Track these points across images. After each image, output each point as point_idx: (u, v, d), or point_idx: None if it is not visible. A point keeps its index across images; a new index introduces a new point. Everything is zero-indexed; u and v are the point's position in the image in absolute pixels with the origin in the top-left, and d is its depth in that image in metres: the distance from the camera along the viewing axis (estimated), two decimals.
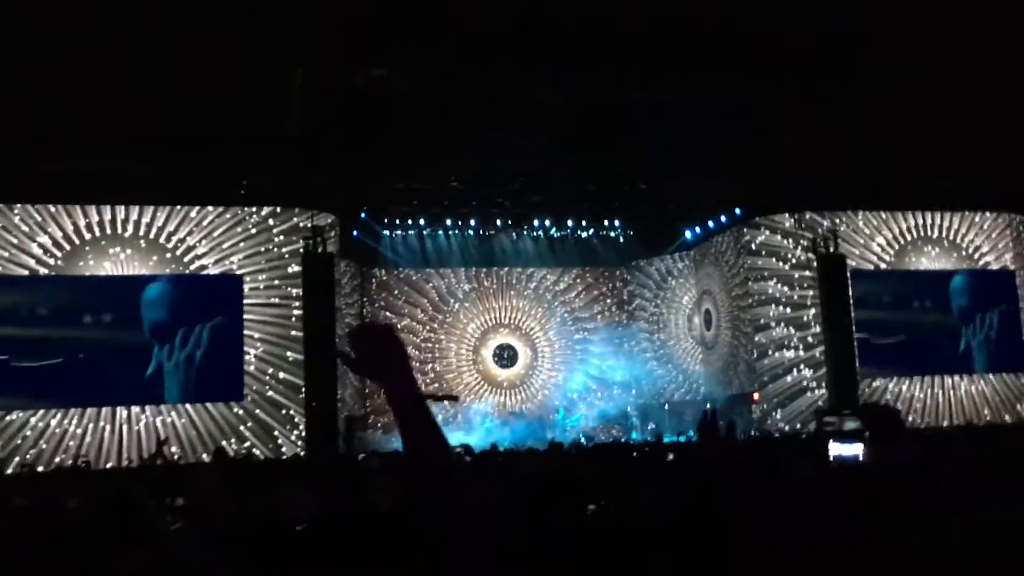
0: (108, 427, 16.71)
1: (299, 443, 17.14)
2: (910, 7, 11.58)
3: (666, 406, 22.45)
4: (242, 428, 17.26)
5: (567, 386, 22.86)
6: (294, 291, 17.59)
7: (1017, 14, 11.43)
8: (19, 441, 16.23)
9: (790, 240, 19.76)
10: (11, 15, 10.60)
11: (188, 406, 17.16)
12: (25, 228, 16.74)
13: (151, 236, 17.31)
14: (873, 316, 19.85)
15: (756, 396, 19.94)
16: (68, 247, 16.91)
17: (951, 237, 20.79)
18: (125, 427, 16.78)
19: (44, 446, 16.33)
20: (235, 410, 17.36)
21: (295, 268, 17.59)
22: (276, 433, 17.37)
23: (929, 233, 20.67)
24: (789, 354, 19.56)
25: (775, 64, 12.69)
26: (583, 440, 19.27)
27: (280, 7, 10.56)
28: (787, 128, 15.62)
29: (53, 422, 16.48)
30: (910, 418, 19.42)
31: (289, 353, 17.52)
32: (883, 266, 20.21)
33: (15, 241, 16.67)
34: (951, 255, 20.73)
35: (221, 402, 17.33)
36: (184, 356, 17.27)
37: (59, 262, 16.87)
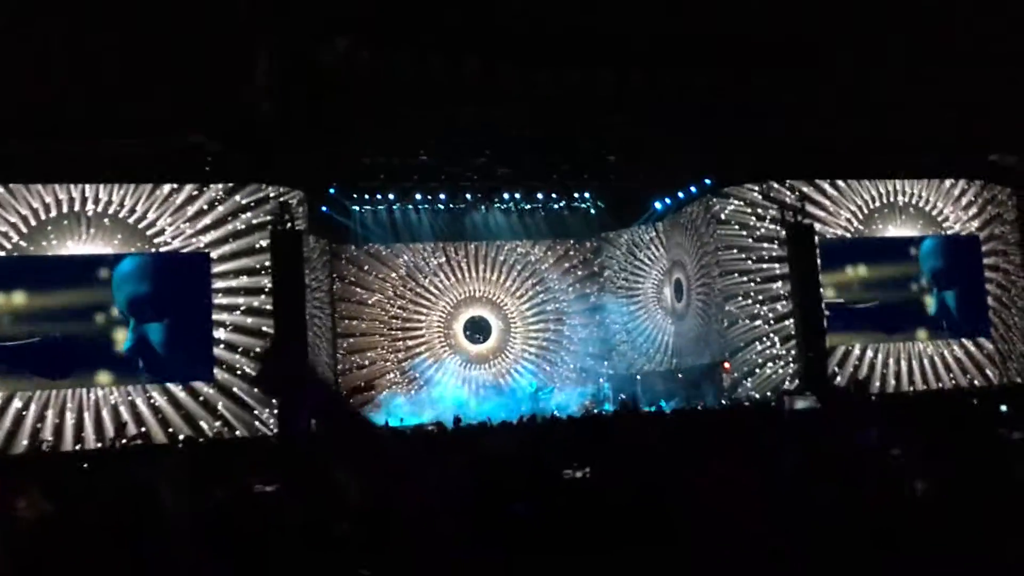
0: (72, 408, 16.50)
1: (271, 422, 17.06)
2: None
3: (638, 377, 22.61)
4: (214, 407, 17.11)
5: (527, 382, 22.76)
6: (263, 267, 17.39)
7: None
8: None
9: (759, 210, 19.85)
10: None
11: (157, 386, 16.98)
12: None
13: (116, 215, 16.99)
14: (841, 283, 20.08)
15: (727, 365, 20.14)
16: (28, 227, 16.55)
17: (917, 204, 20.99)
18: (92, 409, 16.58)
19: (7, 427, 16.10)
20: (205, 389, 17.20)
21: (263, 244, 17.38)
22: (246, 413, 17.24)
23: (895, 201, 20.85)
24: (758, 323, 19.74)
25: (743, 38, 12.69)
26: (556, 413, 19.40)
27: None
28: (755, 99, 15.66)
29: (17, 404, 16.25)
30: (876, 383, 19.72)
31: (260, 330, 17.34)
32: (851, 235, 20.39)
33: None
34: (917, 222, 20.94)
35: (191, 382, 17.16)
36: (154, 334, 17.08)
37: (22, 242, 16.53)
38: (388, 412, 19.96)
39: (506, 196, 21.76)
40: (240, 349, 17.36)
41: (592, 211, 23.24)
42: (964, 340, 20.92)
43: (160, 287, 17.23)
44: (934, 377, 20.42)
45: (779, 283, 19.57)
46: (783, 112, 16.11)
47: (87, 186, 16.72)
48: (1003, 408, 9.59)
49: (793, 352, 19.10)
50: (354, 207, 21.02)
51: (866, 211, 20.58)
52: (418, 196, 20.97)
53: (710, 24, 12.63)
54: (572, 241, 23.93)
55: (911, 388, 20.09)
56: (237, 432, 16.99)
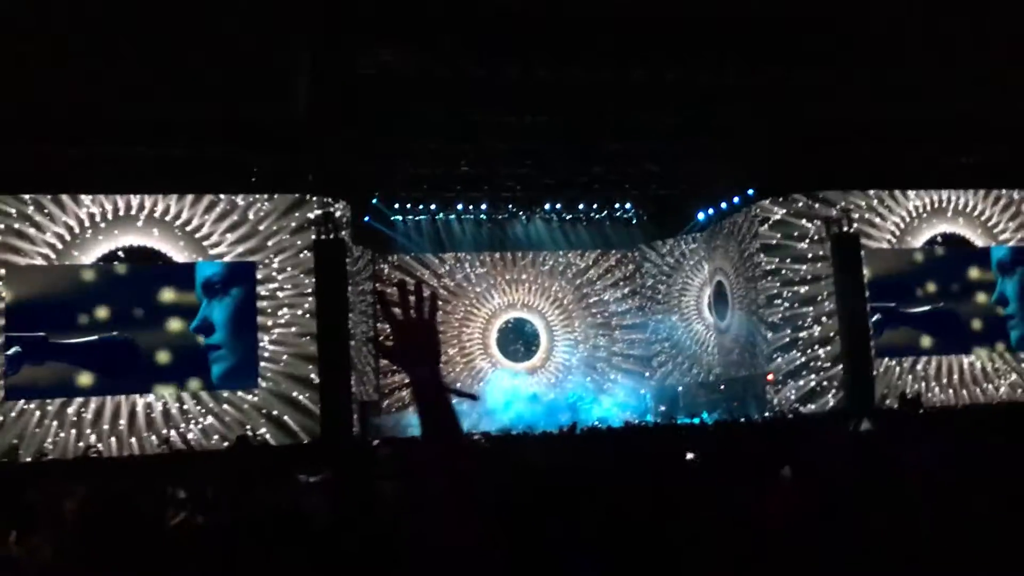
0: (126, 414, 16.84)
1: (313, 430, 17.21)
2: None
3: (679, 388, 22.41)
4: (256, 415, 17.32)
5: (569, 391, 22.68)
6: (306, 278, 17.59)
7: None
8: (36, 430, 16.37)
9: (803, 220, 19.60)
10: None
11: (203, 393, 17.25)
12: (38, 218, 16.79)
13: (165, 223, 17.32)
14: (888, 295, 19.72)
15: (770, 376, 19.87)
16: (78, 237, 16.94)
17: (968, 214, 20.56)
18: (144, 414, 16.90)
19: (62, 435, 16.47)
20: (249, 397, 17.42)
21: (307, 254, 17.58)
22: (289, 420, 17.41)
23: (944, 210, 20.44)
24: (803, 335, 19.45)
25: (785, 44, 12.57)
26: (598, 424, 19.30)
27: None
28: (798, 107, 15.49)
29: (70, 409, 16.61)
30: (928, 396, 19.28)
31: (303, 340, 17.53)
32: (897, 244, 20.03)
33: (31, 232, 16.72)
34: (967, 233, 20.50)
35: (236, 390, 17.40)
36: (202, 343, 17.38)
37: (73, 251, 16.92)
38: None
39: (547, 206, 21.77)
40: (284, 359, 17.57)
41: (634, 221, 23.13)
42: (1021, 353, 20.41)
43: (209, 294, 17.52)
44: (994, 390, 19.94)
45: (824, 294, 19.28)
46: (829, 119, 15.89)
47: (132, 196, 17.10)
48: None
49: (839, 363, 18.79)
50: (396, 217, 21.17)
51: (914, 220, 20.20)
52: (460, 206, 21.05)
53: (756, 34, 12.52)
54: (614, 251, 23.84)
55: (964, 402, 19.62)
56: (274, 437, 17.18)
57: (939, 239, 20.31)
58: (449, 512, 1.80)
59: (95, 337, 16.84)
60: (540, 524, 2.84)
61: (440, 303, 22.50)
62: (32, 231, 16.75)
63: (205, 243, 17.50)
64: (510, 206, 21.49)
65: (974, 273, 20.43)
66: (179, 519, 4.64)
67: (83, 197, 16.93)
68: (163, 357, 17.13)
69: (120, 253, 17.13)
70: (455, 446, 1.89)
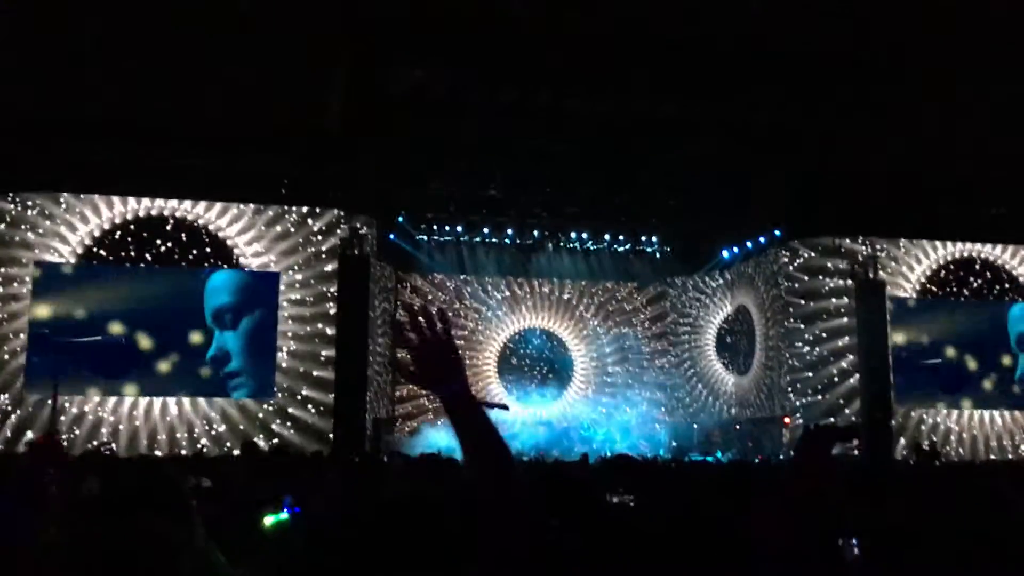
0: (143, 415, 16.97)
1: (327, 442, 17.24)
2: (956, 41, 11.43)
3: (695, 425, 22.23)
4: (271, 425, 17.39)
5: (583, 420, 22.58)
6: (329, 291, 17.71)
7: None
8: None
9: (828, 264, 19.48)
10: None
11: (220, 400, 17.36)
12: (67, 216, 17.04)
13: (193, 229, 17.55)
14: (912, 344, 19.51)
15: (787, 420, 19.66)
16: (108, 237, 17.19)
17: (994, 267, 20.37)
18: (164, 416, 17.02)
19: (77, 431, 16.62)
20: (265, 406, 17.50)
21: (331, 268, 17.72)
22: (304, 431, 17.46)
23: (972, 263, 20.25)
24: (824, 380, 19.25)
25: (819, 86, 12.58)
26: (610, 455, 19.15)
27: (321, 10, 10.72)
28: (830, 150, 15.48)
29: (88, 407, 16.77)
30: (945, 448, 19.00)
31: (322, 352, 17.63)
32: (923, 294, 19.85)
33: (59, 229, 16.99)
34: (993, 286, 20.29)
35: (253, 398, 17.50)
36: (232, 345, 17.49)
37: (99, 250, 17.15)
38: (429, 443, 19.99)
39: (572, 235, 21.78)
40: (301, 371, 17.66)
41: (658, 255, 23.08)
42: None
43: (239, 301, 17.65)
44: (1011, 446, 19.63)
45: (846, 338, 19.10)
46: (860, 163, 15.85)
47: (161, 200, 17.35)
48: None
49: (858, 409, 18.58)
50: (421, 236, 21.26)
51: (940, 270, 20.02)
52: (485, 229, 21.11)
53: (787, 73, 12.55)
54: (637, 284, 23.80)
55: (983, 457, 19.30)
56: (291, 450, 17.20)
57: (967, 292, 20.11)
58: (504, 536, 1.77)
59: (99, 338, 16.91)
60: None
61: (457, 323, 22.57)
62: (63, 230, 17.03)
63: (233, 251, 17.69)
64: (535, 232, 21.51)
65: (997, 329, 20.20)
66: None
67: (114, 199, 17.21)
68: (179, 365, 17.27)
69: (147, 256, 17.35)
70: (507, 470, 1.84)
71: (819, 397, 19.21)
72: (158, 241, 17.39)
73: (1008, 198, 18.81)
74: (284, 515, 5.38)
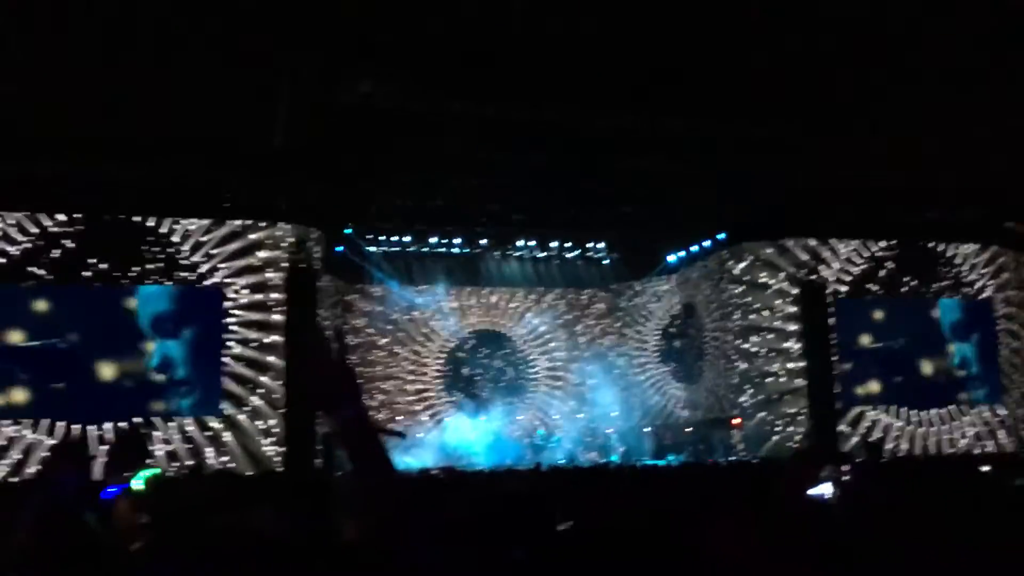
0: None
1: (277, 459, 16.97)
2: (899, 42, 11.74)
3: (646, 429, 22.41)
4: (219, 442, 17.03)
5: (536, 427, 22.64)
6: (276, 304, 17.43)
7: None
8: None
9: (772, 266, 19.85)
10: None
11: (166, 420, 16.94)
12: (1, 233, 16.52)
13: (133, 243, 17.10)
14: (856, 343, 19.94)
15: (736, 421, 19.96)
16: (50, 253, 16.69)
17: (934, 266, 20.94)
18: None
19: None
20: (211, 424, 17.14)
21: (278, 281, 17.44)
22: (253, 449, 17.14)
23: (912, 262, 20.78)
24: (770, 380, 19.59)
25: (755, 97, 12.81)
26: (562, 463, 19.23)
27: (269, 19, 10.57)
28: (771, 155, 15.76)
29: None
30: (890, 445, 19.45)
31: (270, 366, 17.33)
32: (863, 293, 20.30)
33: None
34: (932, 285, 20.85)
35: (199, 416, 17.11)
36: (167, 366, 17.10)
37: (40, 270, 16.64)
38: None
39: (520, 243, 21.82)
40: (249, 384, 17.32)
41: (606, 261, 23.25)
42: (981, 406, 20.66)
43: (180, 309, 17.23)
44: (950, 442, 20.16)
45: (791, 340, 19.47)
46: (801, 166, 16.17)
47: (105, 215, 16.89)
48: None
49: (805, 409, 18.94)
50: (369, 248, 21.11)
51: (881, 269, 20.50)
52: (432, 240, 21.03)
53: (734, 83, 12.75)
54: (585, 291, 23.95)
55: (925, 452, 19.81)
56: (238, 466, 16.89)
57: (903, 290, 20.63)
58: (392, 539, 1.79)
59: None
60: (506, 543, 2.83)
61: (406, 337, 22.45)
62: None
63: (171, 265, 17.28)
64: (483, 241, 21.50)
65: (936, 325, 20.78)
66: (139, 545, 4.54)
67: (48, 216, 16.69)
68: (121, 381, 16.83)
69: (86, 273, 16.87)
70: (387, 482, 1.87)
71: (766, 397, 19.52)
72: (93, 260, 16.86)
73: (941, 201, 19.37)
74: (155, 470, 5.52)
